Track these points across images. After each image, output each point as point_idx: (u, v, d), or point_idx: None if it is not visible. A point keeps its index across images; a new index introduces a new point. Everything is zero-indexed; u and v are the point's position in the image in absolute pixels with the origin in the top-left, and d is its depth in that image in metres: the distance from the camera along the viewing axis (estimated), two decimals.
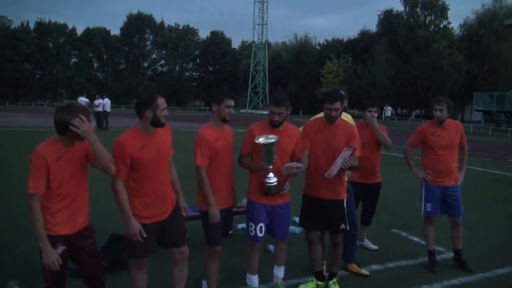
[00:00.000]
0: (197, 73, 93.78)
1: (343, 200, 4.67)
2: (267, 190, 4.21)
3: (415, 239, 6.58)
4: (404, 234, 6.87)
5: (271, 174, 4.19)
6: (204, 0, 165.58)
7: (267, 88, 72.69)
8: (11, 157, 12.99)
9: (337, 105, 4.41)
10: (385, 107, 43.03)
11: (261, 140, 4.05)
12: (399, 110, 67.05)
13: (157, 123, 3.71)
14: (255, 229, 4.39)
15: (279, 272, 4.70)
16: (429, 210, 5.61)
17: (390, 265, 5.63)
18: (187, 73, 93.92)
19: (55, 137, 3.31)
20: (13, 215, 6.84)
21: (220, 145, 4.16)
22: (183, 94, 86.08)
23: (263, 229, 4.41)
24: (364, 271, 5.35)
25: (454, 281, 5.16)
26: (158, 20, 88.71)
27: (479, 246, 6.41)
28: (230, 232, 4.50)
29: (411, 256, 5.91)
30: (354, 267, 5.41)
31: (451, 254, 5.91)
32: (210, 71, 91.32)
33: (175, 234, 3.93)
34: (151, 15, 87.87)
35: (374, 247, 6.14)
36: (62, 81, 78.72)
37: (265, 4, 74.46)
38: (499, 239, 6.90)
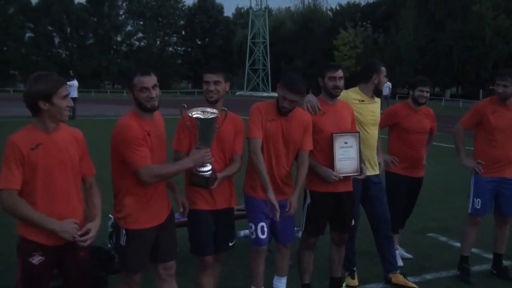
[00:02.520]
0: (183, 48, 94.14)
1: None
2: (200, 182, 3.95)
3: (457, 244, 6.56)
4: (443, 239, 6.84)
5: (209, 160, 3.95)
6: None
7: (268, 64, 72.90)
8: None
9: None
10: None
11: (195, 114, 3.87)
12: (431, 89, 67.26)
13: (140, 105, 3.75)
14: (255, 230, 4.41)
15: (281, 283, 4.72)
16: (478, 207, 5.57)
17: (428, 276, 5.60)
18: (170, 48, 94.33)
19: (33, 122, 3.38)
20: None
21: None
22: (166, 74, 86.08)
23: (265, 229, 4.42)
24: (412, 284, 5.32)
25: None
26: None
27: None
28: (231, 244, 4.42)
29: (453, 265, 5.84)
30: (399, 278, 5.40)
31: (507, 263, 5.91)
32: (198, 45, 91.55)
33: (166, 245, 3.98)
34: None
35: (408, 255, 6.09)
36: (15, 61, 78.80)
37: None
38: None
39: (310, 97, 4.79)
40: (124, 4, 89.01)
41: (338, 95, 4.80)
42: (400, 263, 5.74)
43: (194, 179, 3.94)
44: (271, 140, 4.39)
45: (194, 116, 3.79)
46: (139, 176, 3.61)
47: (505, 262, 5.88)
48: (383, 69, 5.30)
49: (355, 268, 5.43)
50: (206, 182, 3.90)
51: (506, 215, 5.68)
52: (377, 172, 5.35)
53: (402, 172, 5.76)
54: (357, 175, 4.77)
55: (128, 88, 3.79)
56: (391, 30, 60.38)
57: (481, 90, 53.06)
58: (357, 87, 5.31)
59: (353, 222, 4.94)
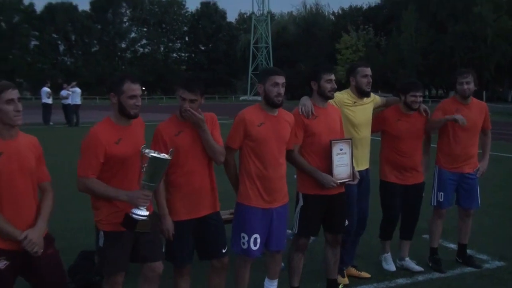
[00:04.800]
0: (187, 54, 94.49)
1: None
2: (130, 224, 3.70)
3: (452, 246, 6.61)
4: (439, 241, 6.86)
5: (146, 204, 3.76)
6: None
7: None
8: None
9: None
10: None
11: (150, 152, 3.75)
12: (433, 91, 67.13)
13: (123, 111, 3.84)
14: (248, 241, 4.38)
15: (272, 286, 4.79)
16: (441, 200, 5.84)
17: (420, 278, 5.64)
18: (174, 54, 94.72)
19: None
20: None
21: (183, 140, 4.16)
22: (171, 80, 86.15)
23: (259, 240, 4.41)
24: (365, 273, 5.56)
25: None
26: None
27: None
28: (224, 251, 4.30)
29: (446, 267, 5.94)
30: (351, 270, 5.59)
31: (497, 263, 6.02)
32: (201, 50, 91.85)
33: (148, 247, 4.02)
34: None
35: (419, 268, 5.83)
36: (20, 69, 79.29)
37: None
38: None
39: (305, 100, 4.79)
40: (128, 11, 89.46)
41: (333, 97, 4.85)
42: (392, 267, 5.80)
43: (124, 220, 3.71)
44: (263, 143, 4.39)
45: (152, 155, 3.65)
46: (77, 182, 3.74)
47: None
48: (360, 69, 5.27)
49: (344, 268, 5.50)
50: (133, 226, 3.68)
51: (467, 208, 5.95)
52: (367, 167, 5.41)
53: (394, 181, 5.66)
54: (350, 181, 4.83)
55: (113, 93, 3.82)
56: (393, 33, 60.39)
57: (484, 92, 52.93)
58: (349, 89, 5.36)
59: (346, 222, 4.96)
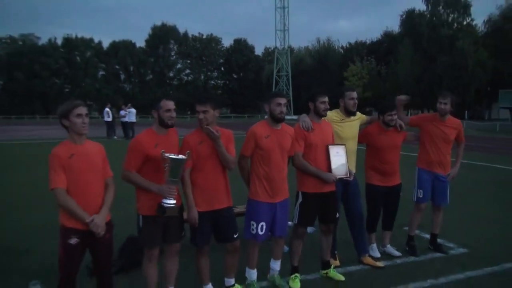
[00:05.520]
0: (222, 81, 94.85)
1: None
2: (162, 210, 3.96)
3: (427, 236, 6.67)
4: (416, 231, 6.90)
5: (173, 195, 4.00)
6: (226, 9, 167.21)
7: (290, 93, 72.90)
8: (38, 167, 13.54)
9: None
10: None
11: (170, 155, 3.98)
12: (426, 111, 66.35)
13: (162, 122, 4.10)
14: (256, 227, 4.51)
15: (276, 265, 4.92)
16: (420, 196, 5.92)
17: (398, 261, 5.72)
18: (212, 81, 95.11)
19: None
20: (38, 222, 7.24)
21: (204, 148, 4.28)
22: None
23: (265, 227, 4.54)
24: (380, 263, 5.50)
25: (460, 276, 5.20)
26: (181, 30, 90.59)
27: (491, 241, 6.50)
28: (235, 236, 4.46)
29: (421, 252, 5.96)
30: (368, 259, 5.57)
31: (461, 250, 6.08)
32: (234, 78, 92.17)
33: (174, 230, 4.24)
34: (175, 25, 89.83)
35: (398, 253, 5.90)
36: (91, 94, 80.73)
37: (286, 10, 75.02)
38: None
39: (305, 117, 4.91)
40: (175, 47, 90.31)
41: (326, 115, 4.97)
42: (377, 254, 5.81)
43: (158, 208, 3.96)
44: (269, 152, 4.51)
45: (171, 156, 3.88)
46: (122, 174, 4.02)
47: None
48: (347, 93, 5.35)
49: (336, 252, 5.59)
50: (163, 212, 3.94)
51: (438, 204, 6.07)
52: (354, 171, 5.39)
53: (378, 183, 5.71)
54: (347, 177, 4.93)
55: (154, 109, 4.09)
56: (392, 63, 59.93)
57: (466, 111, 52.27)
58: (338, 109, 5.46)
59: (337, 215, 5.11)
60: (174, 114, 4.13)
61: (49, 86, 76.84)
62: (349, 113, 5.40)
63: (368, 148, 5.82)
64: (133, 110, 26.30)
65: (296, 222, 4.95)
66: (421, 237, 6.57)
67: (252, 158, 4.60)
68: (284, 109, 4.53)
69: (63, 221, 3.60)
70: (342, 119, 5.39)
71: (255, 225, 4.54)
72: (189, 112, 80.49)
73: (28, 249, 6.10)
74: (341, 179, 4.88)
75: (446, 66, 54.24)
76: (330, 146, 4.82)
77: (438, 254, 5.95)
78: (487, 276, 5.23)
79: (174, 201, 3.98)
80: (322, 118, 4.98)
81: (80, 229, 3.59)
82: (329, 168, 4.80)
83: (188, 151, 4.10)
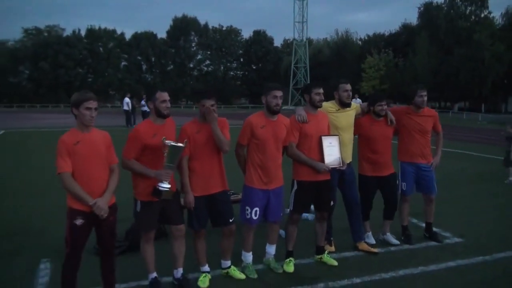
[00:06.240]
0: (241, 72, 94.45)
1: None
2: (157, 193, 4.17)
3: (424, 225, 6.74)
4: (414, 221, 6.95)
5: (168, 179, 4.20)
6: (246, 1, 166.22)
7: None
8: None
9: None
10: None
11: (170, 142, 4.16)
12: (442, 103, 65.45)
13: (159, 113, 4.27)
14: (250, 212, 4.70)
15: (271, 249, 5.10)
16: (404, 188, 6.00)
17: (393, 248, 5.84)
18: (231, 72, 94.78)
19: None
20: (55, 203, 7.47)
21: (201, 137, 4.46)
22: (228, 93, 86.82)
23: (258, 212, 4.72)
24: (374, 249, 5.61)
25: (451, 263, 5.34)
26: (202, 22, 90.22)
27: (487, 231, 6.56)
28: (231, 220, 4.62)
29: (417, 241, 6.08)
30: (364, 245, 5.68)
31: (456, 239, 6.16)
32: (253, 69, 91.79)
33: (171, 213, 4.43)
34: (196, 17, 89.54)
35: (396, 241, 5.99)
36: (113, 84, 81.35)
37: (304, 2, 74.32)
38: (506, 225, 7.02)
39: (301, 110, 5.04)
40: (195, 38, 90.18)
41: (321, 106, 5.10)
42: (372, 241, 5.93)
43: (153, 191, 4.17)
44: (264, 141, 4.67)
45: (172, 144, 4.10)
46: (121, 161, 4.18)
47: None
48: (341, 85, 5.44)
49: (332, 238, 5.74)
50: (159, 195, 4.15)
51: (428, 194, 6.10)
52: (350, 161, 5.53)
53: (370, 174, 5.81)
54: (340, 167, 5.06)
55: (150, 101, 4.29)
56: (409, 55, 59.04)
57: (483, 104, 51.41)
58: (333, 100, 5.55)
59: (331, 203, 5.25)
60: (169, 104, 4.33)
61: (73, 76, 77.66)
62: (343, 104, 5.50)
63: (360, 139, 5.90)
64: None
65: (291, 209, 5.10)
66: (419, 226, 6.68)
67: (248, 147, 4.77)
68: (280, 101, 4.68)
69: (70, 203, 3.83)
70: (338, 109, 5.49)
71: (249, 210, 4.73)
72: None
73: (43, 230, 6.41)
74: (334, 168, 4.99)
75: (463, 59, 53.16)
76: (323, 137, 4.94)
77: (432, 243, 6.07)
78: (478, 265, 5.35)
79: (169, 186, 4.19)
80: (318, 109, 5.09)
81: (85, 211, 3.80)
82: (322, 158, 4.93)
83: (185, 140, 4.28)
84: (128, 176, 4.42)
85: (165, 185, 4.17)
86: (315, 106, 5.02)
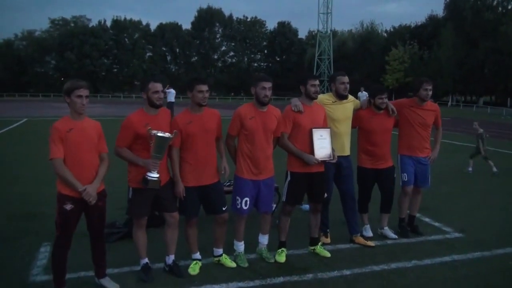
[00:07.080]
0: (265, 64, 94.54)
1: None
2: (145, 182, 4.20)
3: (426, 219, 6.68)
4: (417, 215, 6.87)
5: (156, 169, 4.24)
6: None
7: None
8: None
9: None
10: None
11: (157, 132, 4.17)
12: (468, 97, 64.23)
13: (151, 103, 4.31)
14: (241, 202, 4.72)
15: (264, 239, 5.10)
16: (405, 179, 5.94)
17: (389, 242, 5.78)
18: (255, 64, 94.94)
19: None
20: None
21: (193, 128, 4.48)
22: (252, 84, 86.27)
23: (248, 202, 4.73)
24: (370, 243, 5.57)
25: (446, 258, 5.26)
26: (227, 13, 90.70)
27: (489, 227, 6.46)
28: (224, 208, 4.67)
29: (413, 235, 6.05)
30: (359, 239, 5.65)
31: (456, 235, 6.09)
32: (277, 61, 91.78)
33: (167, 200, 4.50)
34: (220, 8, 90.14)
35: (394, 236, 5.91)
36: (138, 74, 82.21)
37: None
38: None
39: (296, 101, 5.01)
40: (220, 30, 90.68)
41: (317, 98, 5.07)
42: (369, 234, 5.89)
43: (142, 180, 4.21)
44: (253, 132, 4.67)
45: (158, 134, 4.12)
46: (114, 149, 4.28)
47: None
48: (338, 78, 5.41)
49: (328, 230, 5.73)
50: (146, 183, 4.19)
51: (419, 186, 6.09)
52: (347, 154, 5.52)
53: (368, 166, 5.75)
54: (330, 160, 5.01)
55: (143, 91, 4.34)
56: (434, 47, 58.06)
57: (508, 99, 50.20)
58: (330, 92, 5.53)
59: (325, 195, 5.22)
60: (162, 95, 4.35)
61: (99, 66, 79.09)
62: (340, 97, 5.47)
63: (359, 131, 5.85)
64: (172, 91, 26.53)
65: (284, 200, 5.11)
66: (421, 220, 6.61)
67: (238, 137, 4.79)
68: (268, 93, 4.67)
69: (60, 189, 3.94)
70: (334, 101, 5.45)
71: (239, 200, 4.76)
72: (232, 94, 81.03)
73: (47, 216, 6.57)
74: (324, 161, 4.97)
75: (489, 51, 52.01)
76: (314, 129, 4.90)
77: (431, 237, 6.00)
78: (474, 260, 5.27)
79: (157, 175, 4.24)
80: (314, 101, 5.07)
81: (74, 197, 3.90)
82: (312, 151, 4.91)
83: (175, 131, 4.32)
84: (126, 166, 4.50)
85: (153, 175, 4.22)
86: (311, 97, 4.99)
